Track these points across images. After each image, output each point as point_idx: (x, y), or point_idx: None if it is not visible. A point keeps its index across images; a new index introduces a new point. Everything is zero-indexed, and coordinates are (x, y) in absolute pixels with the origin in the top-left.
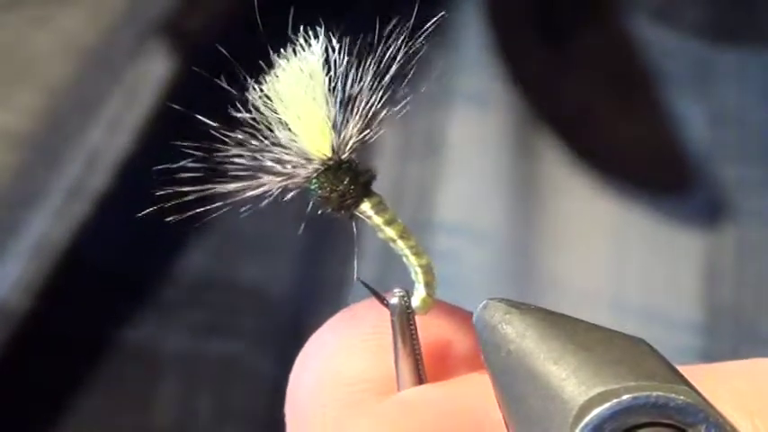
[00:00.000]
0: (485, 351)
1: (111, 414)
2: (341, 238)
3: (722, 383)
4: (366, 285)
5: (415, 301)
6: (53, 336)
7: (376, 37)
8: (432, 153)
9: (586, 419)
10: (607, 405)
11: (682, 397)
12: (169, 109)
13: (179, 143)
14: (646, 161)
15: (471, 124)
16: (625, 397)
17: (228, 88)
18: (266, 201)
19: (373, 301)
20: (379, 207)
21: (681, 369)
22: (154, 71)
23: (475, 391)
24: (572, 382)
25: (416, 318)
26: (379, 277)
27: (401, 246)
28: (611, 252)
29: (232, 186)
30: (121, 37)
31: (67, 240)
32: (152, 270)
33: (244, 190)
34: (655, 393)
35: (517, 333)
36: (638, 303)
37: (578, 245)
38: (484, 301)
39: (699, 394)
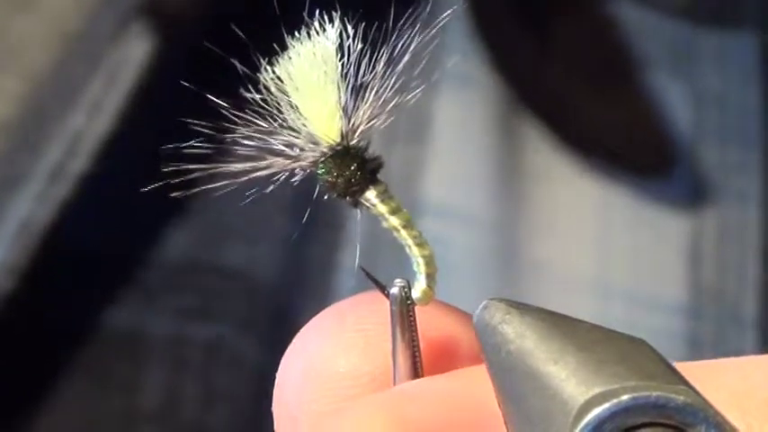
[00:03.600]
0: (485, 351)
1: (96, 398)
2: (326, 223)
3: (716, 381)
4: (367, 273)
5: (416, 292)
6: (36, 319)
7: (390, 25)
8: (417, 136)
9: (586, 419)
10: (607, 405)
11: (681, 397)
12: (150, 92)
13: (189, 121)
14: (628, 144)
15: (456, 107)
16: (625, 397)
17: (240, 67)
18: (273, 184)
19: (358, 298)
20: (385, 195)
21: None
22: (135, 54)
23: (476, 383)
24: (572, 382)
25: (424, 313)
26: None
27: (404, 236)
28: (596, 235)
29: (239, 166)
30: (103, 20)
31: (50, 224)
32: (136, 254)
33: (250, 171)
34: (654, 393)
35: (517, 333)
36: (623, 286)
37: (563, 228)
38: (484, 302)
39: (698, 394)
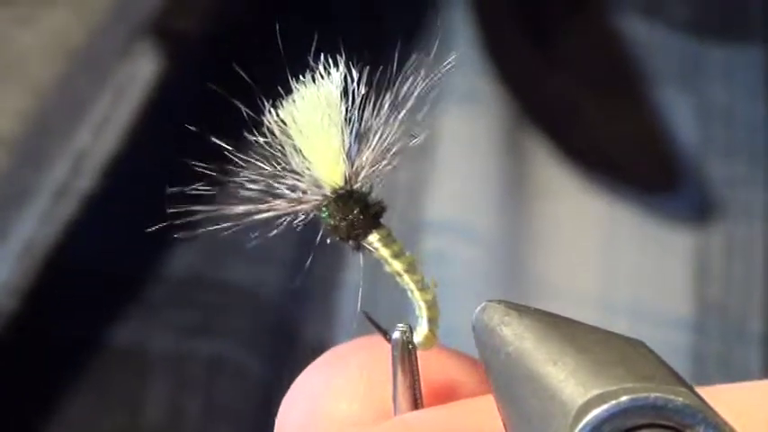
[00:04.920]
0: (483, 353)
1: (99, 415)
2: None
3: (715, 401)
4: (369, 318)
5: (418, 336)
6: (40, 337)
7: (395, 70)
8: (421, 152)
9: (585, 421)
10: (605, 406)
11: (680, 398)
12: (157, 110)
13: (194, 164)
14: (633, 159)
15: (461, 123)
16: (623, 398)
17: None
18: (276, 228)
19: (359, 342)
20: (387, 240)
21: None
22: (141, 72)
23: (477, 413)
24: (570, 383)
25: (425, 356)
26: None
27: (407, 280)
28: (601, 250)
29: (241, 209)
30: (109, 37)
31: (54, 242)
32: (139, 270)
33: (253, 213)
34: (653, 395)
35: (515, 335)
36: (628, 302)
37: (567, 244)
38: (482, 303)
39: (698, 396)
